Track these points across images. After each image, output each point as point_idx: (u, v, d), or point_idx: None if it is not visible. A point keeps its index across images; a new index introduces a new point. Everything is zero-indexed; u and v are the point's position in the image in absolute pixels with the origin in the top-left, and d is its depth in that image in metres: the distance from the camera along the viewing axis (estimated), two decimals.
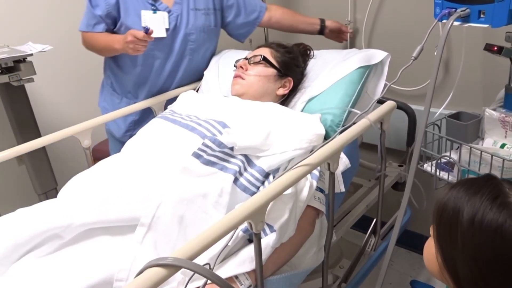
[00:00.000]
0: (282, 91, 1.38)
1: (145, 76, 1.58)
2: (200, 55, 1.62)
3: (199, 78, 1.65)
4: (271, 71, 1.37)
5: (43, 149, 1.90)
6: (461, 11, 1.02)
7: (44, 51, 1.74)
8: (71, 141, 1.51)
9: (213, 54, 1.68)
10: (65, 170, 1.69)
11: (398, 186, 1.64)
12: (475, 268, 0.61)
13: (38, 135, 1.85)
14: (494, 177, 0.67)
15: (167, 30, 1.51)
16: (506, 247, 0.58)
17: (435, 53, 1.04)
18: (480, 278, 0.61)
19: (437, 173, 1.26)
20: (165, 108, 1.50)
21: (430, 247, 0.70)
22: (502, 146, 1.19)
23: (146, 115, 1.63)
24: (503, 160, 1.07)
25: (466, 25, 1.05)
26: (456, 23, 1.04)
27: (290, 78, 1.39)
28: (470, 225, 0.61)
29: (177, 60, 1.57)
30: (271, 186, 0.89)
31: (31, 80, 1.72)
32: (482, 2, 1.00)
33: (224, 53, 1.65)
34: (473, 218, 0.61)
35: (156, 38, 1.46)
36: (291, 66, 1.40)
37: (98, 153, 2.00)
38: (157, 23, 1.49)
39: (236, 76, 1.39)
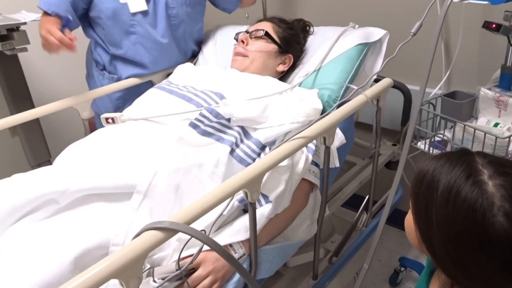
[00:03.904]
0: (282, 68, 1.38)
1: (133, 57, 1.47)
2: (186, 35, 1.51)
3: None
4: (273, 47, 1.35)
5: (36, 121, 1.89)
6: None
7: (38, 20, 1.71)
8: (64, 113, 1.49)
9: (200, 38, 1.59)
10: (58, 142, 1.68)
11: (391, 165, 1.66)
12: (451, 247, 0.63)
13: (31, 106, 1.83)
14: (469, 152, 0.68)
15: (147, 2, 1.39)
16: (477, 225, 0.59)
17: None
18: (456, 256, 0.62)
19: (431, 151, 1.28)
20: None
21: (409, 220, 0.71)
22: (496, 125, 1.21)
23: (131, 93, 1.51)
24: (496, 138, 1.09)
25: (466, 1, 1.05)
26: (455, 0, 1.04)
27: (290, 55, 1.38)
28: (444, 203, 0.62)
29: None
30: (267, 157, 0.89)
31: (25, 49, 1.70)
32: None
33: (222, 27, 1.63)
34: (447, 197, 0.62)
35: (137, 13, 1.37)
36: (292, 43, 1.40)
37: (92, 126, 1.99)
38: None
39: (237, 54, 1.37)
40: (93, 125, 2.00)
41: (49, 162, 1.92)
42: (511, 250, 0.58)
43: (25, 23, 1.68)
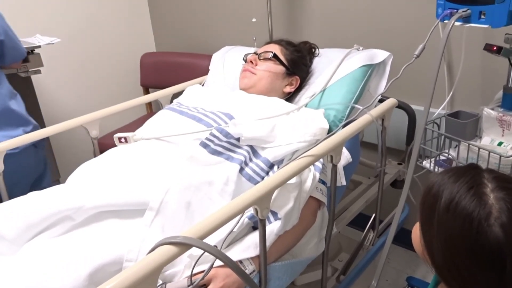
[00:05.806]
0: (288, 89, 1.41)
1: None
2: None
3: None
4: (280, 68, 1.39)
5: (47, 141, 1.92)
6: (463, 11, 1.06)
7: (52, 43, 1.77)
8: (73, 133, 1.51)
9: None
10: (67, 162, 1.71)
11: (397, 183, 1.68)
12: (447, 253, 0.65)
13: (42, 125, 1.87)
14: (477, 166, 0.71)
15: None
16: (472, 233, 0.62)
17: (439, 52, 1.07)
18: (452, 263, 0.65)
19: (436, 170, 1.30)
20: (172, 102, 1.53)
21: (416, 229, 0.75)
22: (499, 144, 1.23)
23: None
24: (500, 156, 1.11)
25: (467, 25, 1.09)
26: (457, 23, 1.08)
27: (297, 77, 1.42)
28: (445, 211, 0.65)
29: None
30: (276, 174, 0.92)
31: (38, 72, 1.75)
32: (483, 3, 1.04)
33: (229, 49, 1.68)
34: (449, 205, 0.65)
35: None
36: (299, 65, 1.44)
37: (102, 146, 2.02)
38: None
39: (245, 70, 1.41)
40: (102, 145, 2.03)
41: (58, 181, 1.95)
42: (501, 260, 0.61)
43: (39, 47, 1.73)
